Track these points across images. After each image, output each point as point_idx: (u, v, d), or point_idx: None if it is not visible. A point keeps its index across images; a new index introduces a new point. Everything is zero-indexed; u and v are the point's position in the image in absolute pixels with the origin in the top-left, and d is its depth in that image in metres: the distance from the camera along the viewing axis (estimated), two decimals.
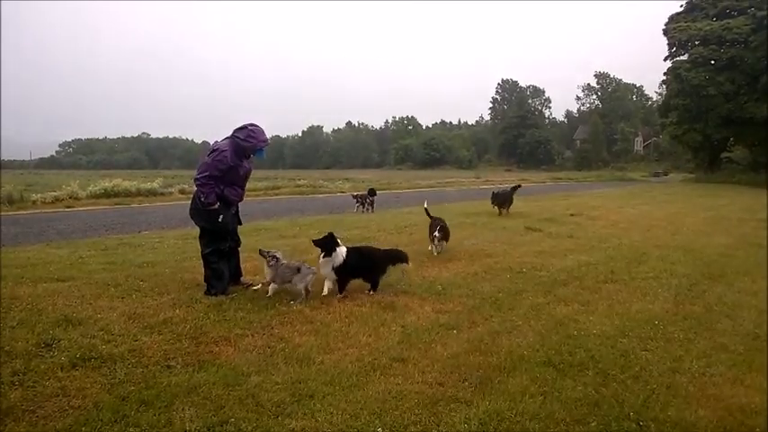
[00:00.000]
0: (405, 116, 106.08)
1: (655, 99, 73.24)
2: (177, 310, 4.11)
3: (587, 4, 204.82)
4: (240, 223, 5.07)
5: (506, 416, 2.65)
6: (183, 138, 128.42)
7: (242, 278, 5.04)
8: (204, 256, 4.68)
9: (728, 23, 32.85)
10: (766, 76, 31.11)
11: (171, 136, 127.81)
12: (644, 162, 66.69)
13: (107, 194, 16.78)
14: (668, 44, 37.28)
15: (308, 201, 17.77)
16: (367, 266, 4.76)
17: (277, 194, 20.75)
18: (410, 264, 5.13)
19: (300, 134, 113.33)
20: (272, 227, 9.35)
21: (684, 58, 35.72)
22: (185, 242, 7.38)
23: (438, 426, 2.57)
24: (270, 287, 4.61)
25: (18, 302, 4.16)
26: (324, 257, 4.60)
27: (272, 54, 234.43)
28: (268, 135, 4.81)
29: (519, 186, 12.14)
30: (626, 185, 30.93)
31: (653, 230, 9.65)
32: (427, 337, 3.73)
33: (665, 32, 37.41)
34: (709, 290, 5.27)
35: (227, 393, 2.83)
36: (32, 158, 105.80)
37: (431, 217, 7.17)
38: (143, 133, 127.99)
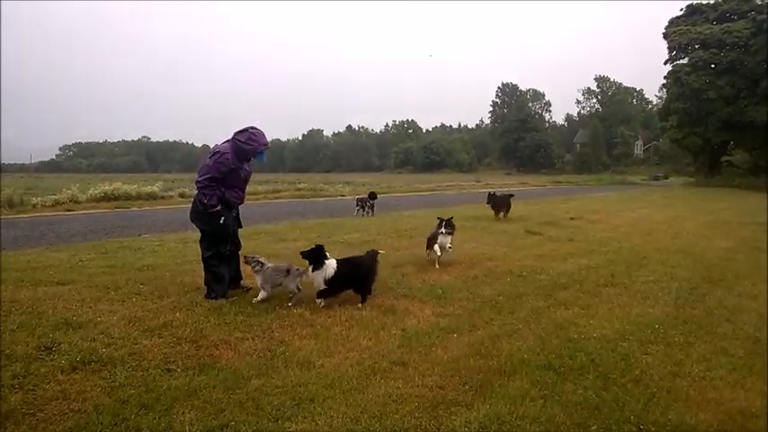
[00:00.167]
0: (405, 120, 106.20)
1: (655, 103, 73.85)
2: (177, 314, 4.11)
3: (587, 7, 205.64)
4: (240, 226, 5.07)
5: (507, 419, 2.65)
6: (184, 141, 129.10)
7: (242, 281, 5.04)
8: (204, 260, 4.68)
9: (729, 27, 33.02)
10: (766, 79, 31.22)
11: (171, 139, 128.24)
12: (644, 166, 66.79)
13: (107, 198, 16.83)
14: (668, 48, 37.50)
15: (308, 204, 17.80)
16: (358, 276, 4.57)
17: (277, 198, 20.80)
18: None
19: (301, 137, 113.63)
20: (272, 230, 9.35)
21: (685, 61, 35.90)
22: (185, 245, 7.39)
23: (438, 429, 2.57)
24: (260, 294, 4.52)
25: (18, 306, 4.16)
26: (313, 270, 4.45)
27: (271, 54, 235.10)
28: (268, 138, 4.83)
29: (512, 195, 12.31)
30: (626, 189, 30.99)
31: (653, 234, 9.65)
32: (427, 340, 3.73)
33: (666, 36, 37.59)
34: (709, 293, 5.27)
35: (228, 397, 2.83)
36: (32, 162, 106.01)
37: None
38: (143, 137, 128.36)
